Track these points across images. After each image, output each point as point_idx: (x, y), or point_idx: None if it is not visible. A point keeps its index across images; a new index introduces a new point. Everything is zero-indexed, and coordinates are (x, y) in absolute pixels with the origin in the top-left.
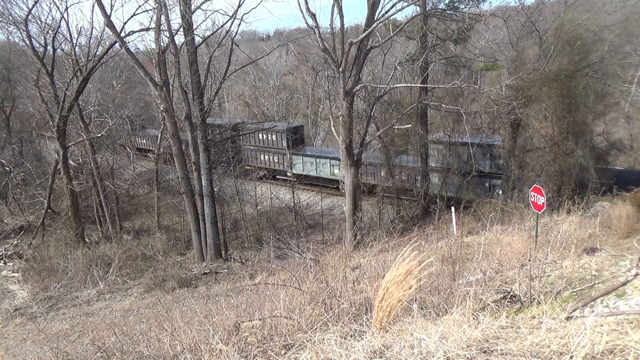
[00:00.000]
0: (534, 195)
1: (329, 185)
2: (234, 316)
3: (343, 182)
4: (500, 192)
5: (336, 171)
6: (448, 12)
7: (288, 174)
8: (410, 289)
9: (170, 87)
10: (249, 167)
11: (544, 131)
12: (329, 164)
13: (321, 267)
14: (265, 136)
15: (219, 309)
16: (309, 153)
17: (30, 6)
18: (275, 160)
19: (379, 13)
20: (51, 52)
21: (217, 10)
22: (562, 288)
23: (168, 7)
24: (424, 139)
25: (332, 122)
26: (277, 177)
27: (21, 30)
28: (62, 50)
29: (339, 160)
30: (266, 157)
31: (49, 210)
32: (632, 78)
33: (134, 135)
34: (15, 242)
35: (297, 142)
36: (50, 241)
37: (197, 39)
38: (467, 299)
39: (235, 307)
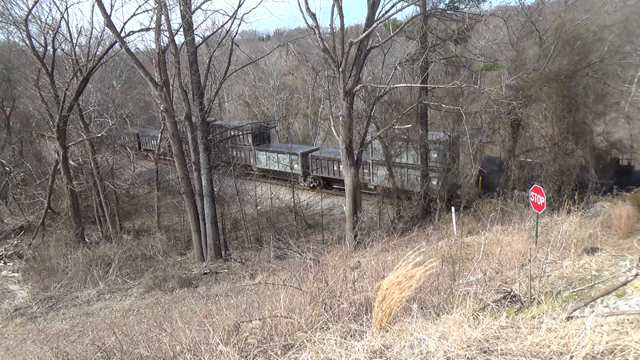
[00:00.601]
0: (534, 195)
1: (289, 178)
2: (233, 316)
3: (301, 176)
4: (435, 182)
5: (295, 165)
6: (448, 12)
7: (253, 168)
8: (410, 290)
9: (170, 87)
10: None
11: (544, 131)
12: (288, 159)
13: (321, 267)
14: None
15: (218, 309)
16: (270, 149)
17: (30, 6)
18: (242, 156)
19: (379, 13)
20: (51, 52)
21: (217, 10)
22: (562, 288)
23: (168, 7)
24: (424, 139)
25: (332, 122)
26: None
27: (21, 30)
28: (62, 50)
29: (297, 155)
30: (235, 152)
31: (49, 210)
32: (632, 78)
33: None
34: (15, 242)
35: (263, 140)
36: (50, 241)
37: (197, 39)
38: (467, 299)
39: (235, 307)
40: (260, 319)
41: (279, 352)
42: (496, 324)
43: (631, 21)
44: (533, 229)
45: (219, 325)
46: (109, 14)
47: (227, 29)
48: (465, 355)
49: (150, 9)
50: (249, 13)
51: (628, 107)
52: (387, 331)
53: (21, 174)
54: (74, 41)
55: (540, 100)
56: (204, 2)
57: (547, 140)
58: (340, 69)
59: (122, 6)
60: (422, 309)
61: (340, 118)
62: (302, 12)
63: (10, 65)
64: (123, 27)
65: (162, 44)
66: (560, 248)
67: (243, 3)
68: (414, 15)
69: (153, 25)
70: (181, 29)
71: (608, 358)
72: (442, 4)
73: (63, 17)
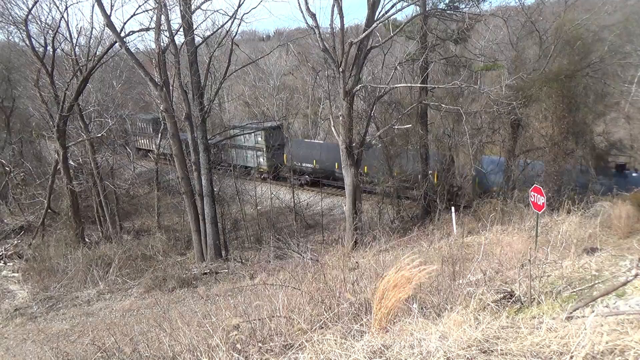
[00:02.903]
0: (534, 195)
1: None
2: (233, 316)
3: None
4: (262, 160)
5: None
6: (448, 12)
7: (153, 151)
8: (408, 292)
9: (170, 87)
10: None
11: (544, 131)
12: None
13: (321, 267)
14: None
15: (218, 309)
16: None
17: (30, 6)
18: (147, 142)
19: (379, 13)
20: (51, 52)
21: (217, 10)
22: (562, 288)
23: (168, 7)
24: (424, 139)
25: (332, 122)
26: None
27: (21, 30)
28: (62, 50)
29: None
30: (142, 140)
31: (49, 210)
32: (632, 78)
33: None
34: (15, 242)
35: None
36: (50, 241)
37: (197, 39)
38: (467, 299)
39: (235, 308)
40: (259, 319)
41: (278, 352)
42: (496, 324)
43: (631, 21)
44: (533, 229)
45: (218, 325)
46: (109, 14)
47: (227, 29)
48: (465, 356)
49: (150, 9)
50: (249, 13)
51: (628, 107)
52: (387, 331)
53: (21, 174)
54: (74, 41)
55: (540, 100)
56: (204, 2)
57: (547, 140)
58: (340, 69)
59: (122, 6)
60: (422, 309)
61: (340, 118)
62: (302, 12)
63: (10, 65)
64: (123, 27)
65: (162, 44)
66: (560, 248)
67: (243, 3)
68: (414, 15)
69: (153, 25)
70: (181, 29)
71: (608, 358)
72: (442, 3)
73: (63, 17)
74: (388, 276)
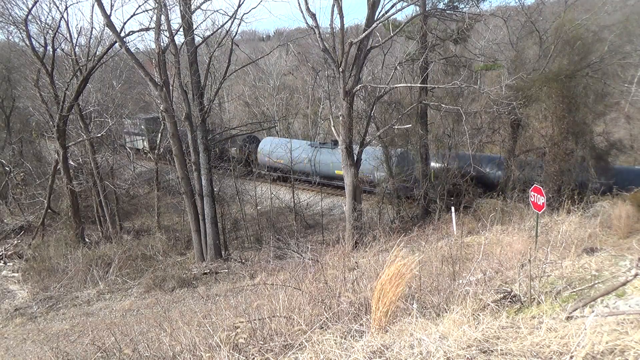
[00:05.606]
0: (534, 195)
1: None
2: (233, 316)
3: (147, 149)
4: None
5: (145, 143)
6: (448, 11)
7: (128, 147)
8: (401, 288)
9: (170, 87)
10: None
11: (544, 131)
12: (141, 139)
13: (321, 267)
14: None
15: (218, 309)
16: (134, 132)
17: (30, 6)
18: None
19: (379, 13)
20: (51, 52)
21: (217, 10)
22: (562, 288)
23: (168, 7)
24: (424, 139)
25: (332, 122)
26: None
27: (21, 30)
28: (62, 50)
29: (145, 136)
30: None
31: (49, 210)
32: (632, 78)
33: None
34: (15, 242)
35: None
36: (50, 241)
37: (197, 39)
38: (467, 299)
39: (235, 308)
40: (259, 319)
41: (278, 352)
42: (496, 324)
43: (631, 21)
44: (533, 229)
45: (219, 325)
46: (108, 14)
47: (227, 29)
48: (465, 356)
49: (150, 9)
50: (248, 13)
51: (628, 107)
52: (386, 331)
53: (21, 174)
54: (74, 41)
55: (540, 100)
56: (204, 2)
57: (547, 140)
58: (340, 69)
59: (122, 6)
60: (422, 309)
61: (340, 118)
62: (302, 12)
63: (10, 65)
64: (123, 27)
65: (162, 44)
66: (560, 248)
67: (243, 3)
68: (413, 15)
69: (153, 25)
70: (181, 29)
71: (608, 358)
72: (442, 3)
73: (63, 17)
74: (382, 275)
